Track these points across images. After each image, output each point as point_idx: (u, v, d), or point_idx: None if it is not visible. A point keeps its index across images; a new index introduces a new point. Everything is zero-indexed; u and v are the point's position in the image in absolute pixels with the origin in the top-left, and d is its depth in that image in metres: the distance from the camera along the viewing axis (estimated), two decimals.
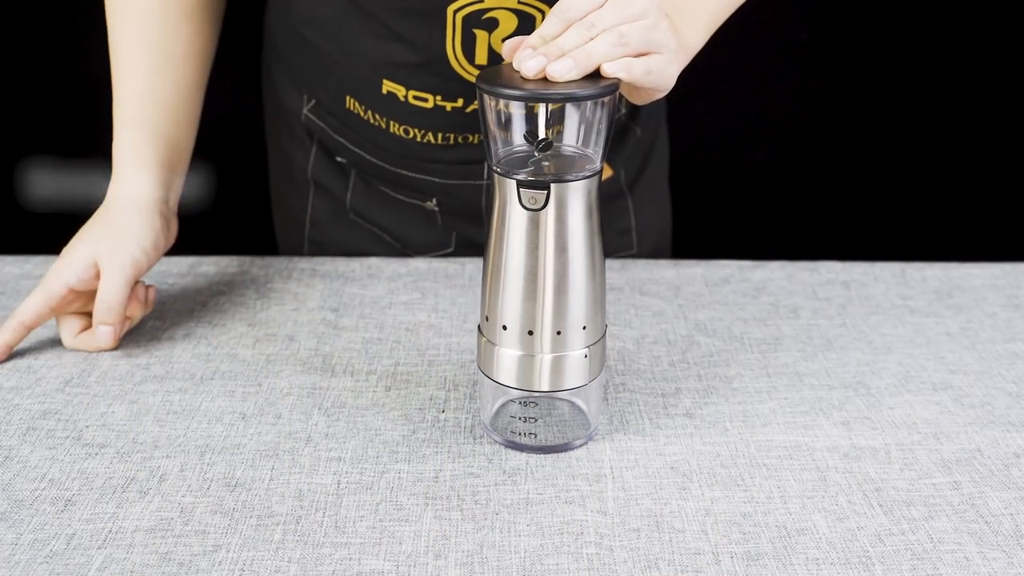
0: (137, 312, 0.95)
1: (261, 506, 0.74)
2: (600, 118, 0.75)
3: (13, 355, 0.92)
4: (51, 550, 0.70)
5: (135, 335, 0.96)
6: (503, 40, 0.87)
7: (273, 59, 1.14)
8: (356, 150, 1.09)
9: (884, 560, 0.70)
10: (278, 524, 0.72)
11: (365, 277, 1.07)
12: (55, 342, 0.94)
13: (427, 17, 0.96)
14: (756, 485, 0.77)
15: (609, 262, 1.07)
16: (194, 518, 0.73)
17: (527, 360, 0.77)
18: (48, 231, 1.17)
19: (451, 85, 0.99)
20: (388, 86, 1.01)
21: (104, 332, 0.92)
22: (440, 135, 1.03)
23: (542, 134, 0.74)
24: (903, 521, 0.74)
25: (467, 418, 0.84)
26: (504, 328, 0.77)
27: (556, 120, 0.74)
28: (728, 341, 0.96)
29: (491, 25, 0.95)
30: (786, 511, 0.74)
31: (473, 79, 0.97)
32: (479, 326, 0.80)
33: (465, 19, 0.95)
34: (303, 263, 1.09)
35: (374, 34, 0.99)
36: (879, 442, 0.82)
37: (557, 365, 0.77)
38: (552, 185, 0.74)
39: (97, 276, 0.92)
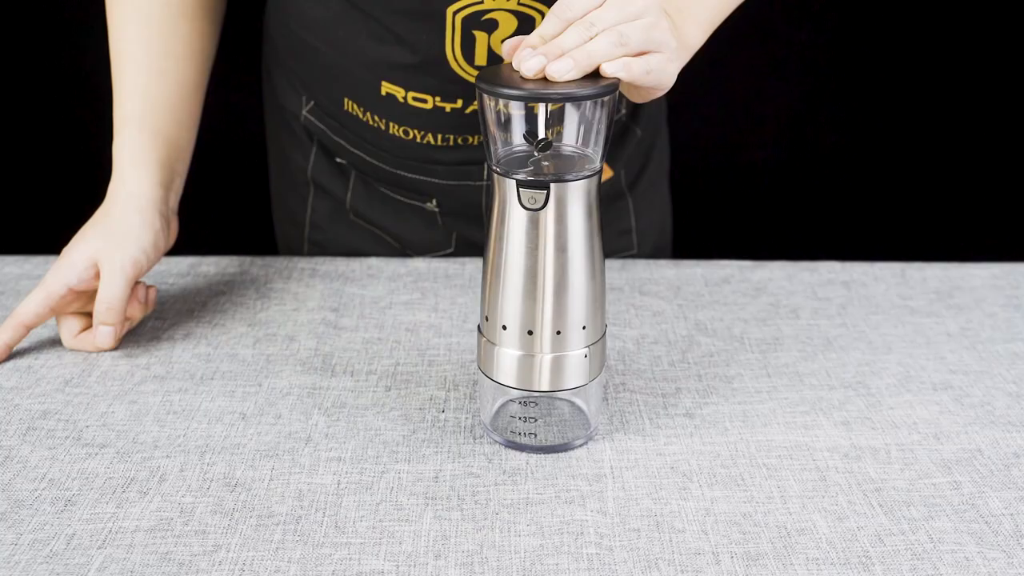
0: (137, 312, 0.95)
1: (261, 506, 0.74)
2: (600, 118, 0.75)
3: (13, 355, 0.92)
4: (51, 550, 0.70)
5: (135, 335, 0.96)
6: (502, 41, 0.87)
7: (272, 60, 1.14)
8: (355, 151, 1.09)
9: (884, 560, 0.70)
10: (278, 524, 0.72)
11: (365, 277, 1.07)
12: (55, 342, 0.94)
13: (426, 18, 0.96)
14: (756, 485, 0.77)
15: (609, 262, 1.07)
16: (194, 518, 0.73)
17: (527, 360, 0.77)
18: (48, 231, 1.17)
19: (450, 86, 0.99)
20: (387, 87, 1.01)
21: (104, 332, 0.92)
22: (440, 136, 1.03)
23: (542, 134, 0.74)
24: (903, 521, 0.74)
25: (467, 418, 0.84)
26: (504, 328, 0.77)
27: (556, 120, 0.74)
28: (728, 341, 0.96)
29: (491, 26, 0.95)
30: (786, 511, 0.74)
31: (473, 80, 0.97)
32: (479, 326, 0.80)
33: (464, 20, 0.95)
34: (303, 263, 1.09)
35: (372, 36, 0.99)
36: (879, 442, 0.82)
37: (557, 365, 0.77)
38: (552, 185, 0.74)
39: (97, 276, 0.92)
